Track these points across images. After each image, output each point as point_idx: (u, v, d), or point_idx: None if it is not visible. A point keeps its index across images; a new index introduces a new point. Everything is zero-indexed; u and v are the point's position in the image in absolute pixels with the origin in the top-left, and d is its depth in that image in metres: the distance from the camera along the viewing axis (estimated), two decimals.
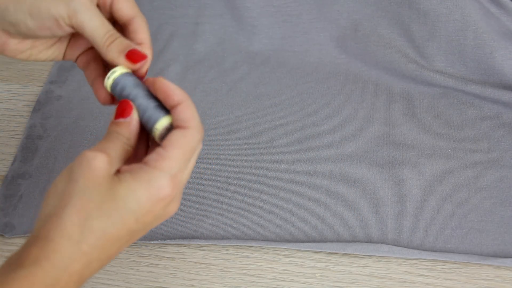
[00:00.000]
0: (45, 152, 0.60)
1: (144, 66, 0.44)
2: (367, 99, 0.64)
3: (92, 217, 0.37)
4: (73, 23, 0.44)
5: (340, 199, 0.57)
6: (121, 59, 0.43)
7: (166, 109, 0.41)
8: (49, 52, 0.49)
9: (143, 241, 0.54)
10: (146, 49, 0.44)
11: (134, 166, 0.39)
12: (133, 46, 0.44)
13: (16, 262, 0.36)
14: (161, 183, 0.38)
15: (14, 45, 0.46)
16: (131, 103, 0.41)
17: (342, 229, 0.55)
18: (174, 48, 0.68)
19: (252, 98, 0.65)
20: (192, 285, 0.53)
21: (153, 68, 0.66)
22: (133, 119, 0.41)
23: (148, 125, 0.41)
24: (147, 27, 0.46)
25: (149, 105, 0.41)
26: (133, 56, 0.43)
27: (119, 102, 0.42)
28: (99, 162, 0.38)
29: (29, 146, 0.61)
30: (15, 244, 0.55)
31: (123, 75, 0.42)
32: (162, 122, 0.40)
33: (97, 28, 0.44)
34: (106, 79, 0.43)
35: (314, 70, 0.67)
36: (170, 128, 0.40)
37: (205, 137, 0.61)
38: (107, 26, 0.44)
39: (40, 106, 0.64)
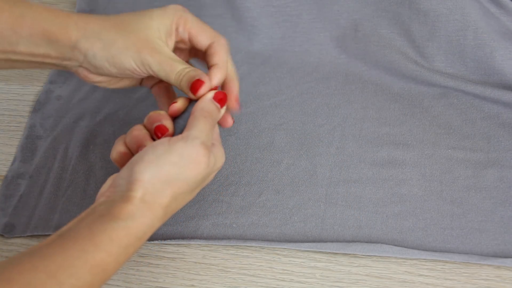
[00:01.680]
0: (45, 152, 0.60)
1: (203, 90, 0.50)
2: (367, 99, 0.64)
3: (182, 193, 0.46)
4: (149, 72, 0.50)
5: (340, 199, 0.57)
6: (189, 92, 0.50)
7: None
8: (125, 82, 0.55)
9: None
10: (218, 70, 0.51)
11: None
12: (196, 77, 0.50)
13: (110, 215, 0.42)
14: (221, 156, 0.49)
15: (94, 78, 0.52)
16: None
17: (342, 229, 0.55)
18: None
19: (252, 98, 0.65)
20: (192, 285, 0.53)
21: None
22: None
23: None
24: (224, 49, 0.52)
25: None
26: (194, 87, 0.50)
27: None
28: (207, 159, 0.47)
29: (29, 146, 0.61)
30: (15, 244, 0.55)
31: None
32: None
33: (168, 73, 0.50)
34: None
35: (314, 70, 0.67)
36: None
37: None
38: (178, 67, 0.50)
39: (40, 106, 0.64)
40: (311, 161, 0.60)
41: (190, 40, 0.53)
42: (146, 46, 0.50)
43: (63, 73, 0.68)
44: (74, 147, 0.60)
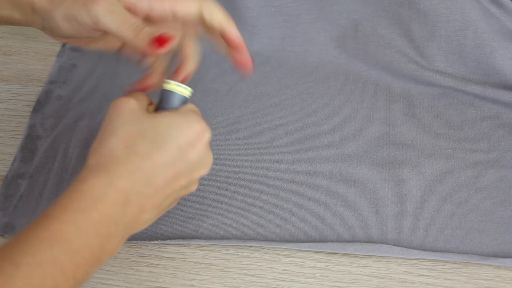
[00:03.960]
0: (45, 152, 0.60)
1: (168, 48, 0.45)
2: (367, 99, 0.64)
3: (136, 142, 0.41)
4: (99, 27, 0.46)
5: (340, 199, 0.57)
6: (149, 48, 0.45)
7: None
8: (100, 44, 0.52)
9: (143, 241, 0.54)
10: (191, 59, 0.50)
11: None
12: (158, 32, 0.45)
13: (70, 186, 0.40)
14: (197, 119, 0.44)
15: (61, 39, 0.50)
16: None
17: (342, 229, 0.55)
18: None
19: (252, 98, 0.65)
20: (192, 285, 0.53)
21: None
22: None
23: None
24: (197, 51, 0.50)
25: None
26: (159, 42, 0.45)
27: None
28: (132, 102, 0.44)
29: (29, 146, 0.61)
30: None
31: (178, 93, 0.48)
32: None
33: (119, 26, 0.45)
34: (168, 83, 0.48)
35: (314, 70, 0.67)
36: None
37: None
38: (129, 21, 0.46)
39: (40, 106, 0.64)
40: (311, 161, 0.60)
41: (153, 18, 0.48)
42: None
43: (63, 73, 0.68)
44: (74, 147, 0.60)
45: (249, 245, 0.54)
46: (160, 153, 0.42)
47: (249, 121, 0.63)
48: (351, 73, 0.67)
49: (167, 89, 0.48)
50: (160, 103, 0.48)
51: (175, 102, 0.48)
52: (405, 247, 0.54)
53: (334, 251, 0.54)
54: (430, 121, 0.62)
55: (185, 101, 0.48)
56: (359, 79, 0.66)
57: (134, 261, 0.54)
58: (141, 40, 0.46)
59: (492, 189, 0.57)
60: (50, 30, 0.49)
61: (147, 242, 0.54)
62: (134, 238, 0.54)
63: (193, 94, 0.64)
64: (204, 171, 0.47)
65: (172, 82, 0.48)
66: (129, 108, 0.44)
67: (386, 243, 0.54)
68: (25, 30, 0.71)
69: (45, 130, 0.62)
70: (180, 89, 0.48)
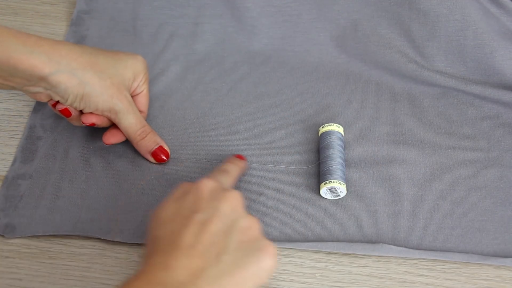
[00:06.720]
0: (45, 152, 0.60)
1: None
2: (367, 98, 0.64)
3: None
4: (112, 119, 0.56)
5: (340, 198, 0.57)
6: (148, 156, 0.58)
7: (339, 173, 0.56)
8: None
9: (143, 242, 0.54)
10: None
11: None
12: (159, 143, 0.58)
13: None
14: (183, 185, 0.48)
15: (46, 99, 0.55)
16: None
17: (342, 228, 0.55)
18: (174, 48, 0.68)
19: (253, 97, 0.65)
20: None
21: (153, 68, 0.66)
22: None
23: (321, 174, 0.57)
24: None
25: (334, 166, 0.57)
26: (157, 157, 0.58)
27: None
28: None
29: (29, 147, 0.61)
30: (16, 244, 0.55)
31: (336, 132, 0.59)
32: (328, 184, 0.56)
33: (131, 127, 0.56)
34: (327, 126, 0.59)
35: (314, 69, 0.67)
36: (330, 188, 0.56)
37: (206, 136, 0.61)
38: (141, 123, 0.57)
39: (40, 106, 0.64)
40: (312, 161, 0.60)
41: (135, 96, 0.59)
42: (118, 93, 0.55)
43: None
44: (75, 148, 0.60)
45: None
46: (158, 210, 0.46)
47: (250, 120, 0.63)
48: (351, 73, 0.67)
49: (326, 130, 0.59)
50: (321, 143, 0.58)
51: (333, 138, 0.58)
52: (405, 246, 0.54)
53: (334, 251, 0.54)
54: (430, 121, 0.62)
55: (340, 137, 0.59)
56: (359, 79, 0.66)
57: (134, 261, 0.54)
58: (143, 146, 0.57)
59: (492, 188, 0.58)
60: (51, 95, 0.54)
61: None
62: (134, 238, 0.54)
63: (193, 94, 0.65)
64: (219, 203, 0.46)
65: (326, 125, 0.59)
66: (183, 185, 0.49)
67: (386, 243, 0.54)
68: (26, 30, 0.71)
69: (45, 131, 0.62)
70: (334, 127, 0.59)
